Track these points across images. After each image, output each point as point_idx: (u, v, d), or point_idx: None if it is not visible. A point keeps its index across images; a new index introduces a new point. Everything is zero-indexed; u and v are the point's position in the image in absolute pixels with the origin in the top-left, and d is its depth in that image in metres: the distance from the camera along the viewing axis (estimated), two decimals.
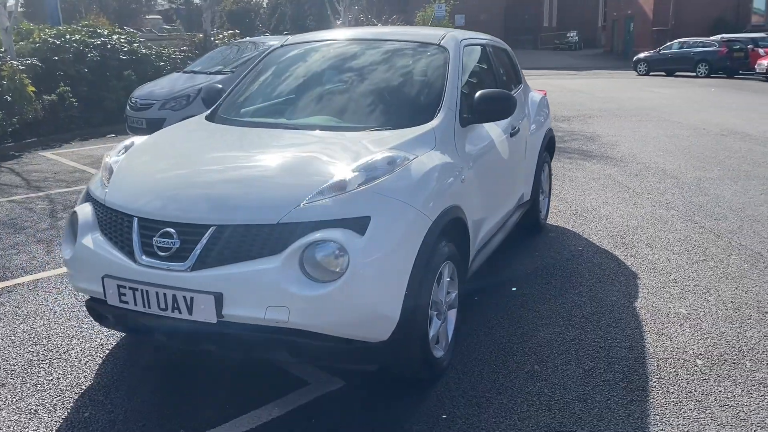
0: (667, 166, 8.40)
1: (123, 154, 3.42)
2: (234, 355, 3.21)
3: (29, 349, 3.63)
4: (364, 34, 4.43)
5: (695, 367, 3.35)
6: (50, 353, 3.57)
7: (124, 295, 2.81)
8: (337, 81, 3.97)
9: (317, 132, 3.52)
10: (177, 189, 2.96)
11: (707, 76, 26.31)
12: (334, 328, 2.69)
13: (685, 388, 3.16)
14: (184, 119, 8.80)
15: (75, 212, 3.16)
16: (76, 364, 3.45)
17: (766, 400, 3.05)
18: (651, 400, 3.05)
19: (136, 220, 2.87)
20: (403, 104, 3.77)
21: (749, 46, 26.89)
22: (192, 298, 2.67)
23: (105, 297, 2.88)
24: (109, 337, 3.71)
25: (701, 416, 2.92)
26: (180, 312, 2.71)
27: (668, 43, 29.17)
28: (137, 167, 3.26)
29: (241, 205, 2.77)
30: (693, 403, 3.03)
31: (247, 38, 13.59)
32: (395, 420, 2.91)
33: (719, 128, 11.65)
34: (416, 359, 3.00)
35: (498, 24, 47.55)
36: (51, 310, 4.15)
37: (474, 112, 3.69)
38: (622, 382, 3.22)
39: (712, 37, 27.92)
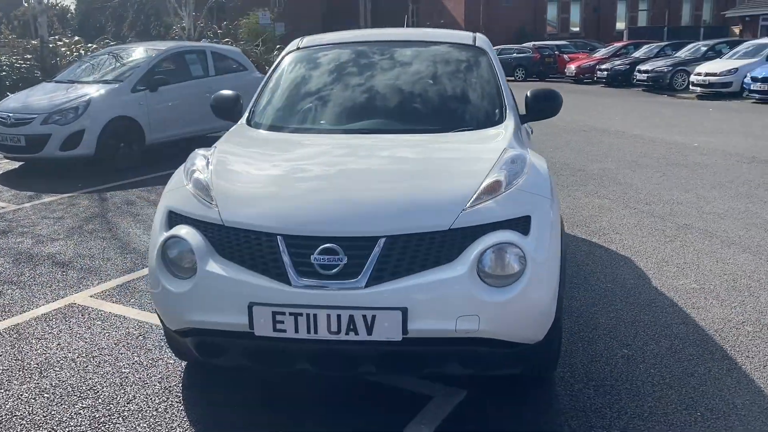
0: (565, 161, 9.12)
1: (206, 168, 3.01)
2: (388, 374, 2.91)
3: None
4: (389, 35, 4.33)
5: (750, 333, 3.72)
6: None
7: (281, 322, 2.50)
8: (395, 83, 3.83)
9: (411, 135, 3.38)
10: (321, 201, 2.68)
11: (524, 80, 28.82)
12: (511, 333, 2.62)
13: (758, 351, 3.51)
14: (74, 134, 8.03)
15: (171, 239, 2.72)
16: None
17: None
18: (744, 366, 3.34)
19: (281, 239, 2.56)
20: (471, 105, 3.75)
21: (556, 53, 29.98)
22: (374, 317, 2.45)
23: (251, 327, 2.53)
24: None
25: None
26: (357, 333, 2.47)
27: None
28: (247, 182, 2.90)
29: (408, 214, 2.59)
30: None
31: (115, 45, 12.44)
32: (547, 422, 2.90)
33: (576, 125, 12.85)
34: (556, 356, 3.02)
35: (317, 32, 48.07)
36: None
37: (529, 111, 3.78)
38: (706, 353, 3.49)
39: (525, 44, 30.66)
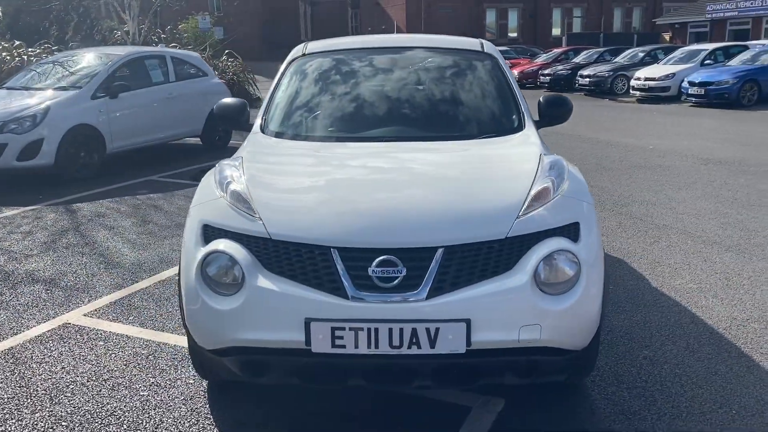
0: None
1: (241, 179, 2.88)
2: (443, 387, 2.83)
3: None
4: (394, 41, 4.28)
5: (758, 330, 3.85)
6: None
7: (341, 338, 2.41)
8: (414, 90, 3.78)
9: (439, 143, 3.34)
10: (374, 212, 2.60)
11: None
12: (567, 340, 2.61)
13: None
14: (32, 143, 7.61)
15: (211, 254, 2.59)
16: None
17: None
18: (762, 363, 3.44)
19: (335, 252, 2.48)
20: (491, 111, 3.75)
21: None
22: (437, 329, 2.40)
23: (308, 344, 2.44)
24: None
25: None
26: (419, 347, 2.41)
27: None
28: (289, 194, 2.80)
29: (464, 223, 2.55)
30: None
31: (60, 50, 11.88)
32: (592, 426, 2.92)
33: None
34: (594, 361, 3.04)
35: (257, 38, 47.58)
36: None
37: (542, 117, 3.80)
38: (723, 352, 3.59)
39: None
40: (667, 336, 3.77)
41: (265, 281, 2.50)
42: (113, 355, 3.63)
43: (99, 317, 4.16)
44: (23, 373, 3.44)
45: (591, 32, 40.19)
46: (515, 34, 44.54)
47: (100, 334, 3.90)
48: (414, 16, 41.92)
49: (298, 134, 3.57)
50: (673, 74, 20.01)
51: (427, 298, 2.42)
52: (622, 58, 24.21)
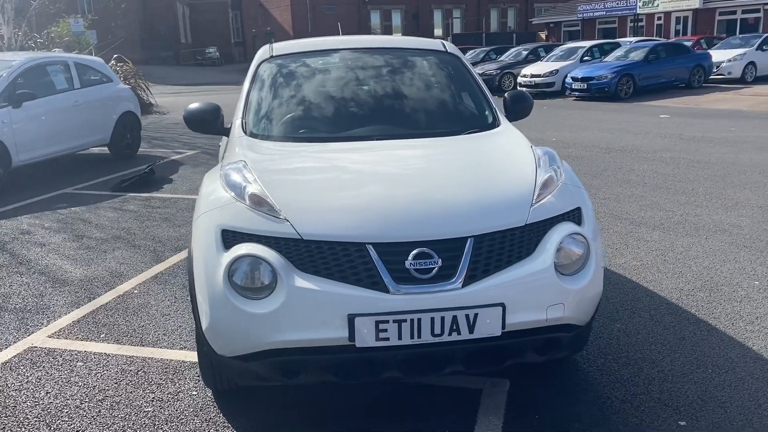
0: None
1: (255, 182, 2.85)
2: (473, 371, 2.77)
3: None
4: (359, 42, 4.33)
5: (705, 298, 4.27)
6: None
7: (385, 330, 2.48)
8: (391, 89, 3.84)
9: (430, 139, 3.44)
10: (404, 206, 2.66)
11: None
12: (580, 317, 2.81)
13: (721, 312, 4.03)
14: None
15: (239, 259, 2.57)
16: None
17: None
18: (717, 325, 3.83)
19: (371, 247, 2.53)
20: (467, 108, 3.90)
21: None
22: (476, 315, 2.52)
23: (352, 339, 2.48)
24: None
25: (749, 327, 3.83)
26: (459, 333, 2.52)
27: None
28: (312, 194, 2.79)
29: (489, 213, 2.68)
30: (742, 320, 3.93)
31: None
32: (595, 394, 3.14)
33: None
34: (589, 336, 3.26)
35: (135, 40, 45.53)
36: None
37: (508, 112, 4.02)
38: (683, 319, 3.95)
39: None
40: (631, 310, 4.10)
41: (303, 281, 2.51)
42: (99, 375, 3.46)
43: (67, 338, 3.93)
44: (4, 402, 3.22)
45: (474, 32, 41.81)
46: (400, 35, 45.46)
47: (75, 354, 3.70)
48: (299, 18, 41.77)
49: (288, 136, 3.56)
50: (557, 71, 21.26)
51: (463, 286, 2.53)
52: (507, 57, 25.36)
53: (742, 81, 20.70)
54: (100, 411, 3.11)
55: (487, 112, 3.84)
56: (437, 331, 2.51)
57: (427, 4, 45.71)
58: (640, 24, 32.17)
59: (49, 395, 3.27)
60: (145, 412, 3.10)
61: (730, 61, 20.94)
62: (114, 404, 3.17)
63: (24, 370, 3.53)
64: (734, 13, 29.04)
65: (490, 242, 2.62)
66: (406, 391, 3.20)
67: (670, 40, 24.50)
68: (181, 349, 3.74)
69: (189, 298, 4.41)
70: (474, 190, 2.81)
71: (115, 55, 17.91)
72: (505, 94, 4.05)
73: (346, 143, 3.40)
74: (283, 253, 2.58)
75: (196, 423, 2.99)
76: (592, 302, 2.86)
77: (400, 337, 2.50)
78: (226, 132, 3.83)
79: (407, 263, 2.52)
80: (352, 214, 2.63)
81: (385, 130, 3.59)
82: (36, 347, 3.81)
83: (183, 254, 5.40)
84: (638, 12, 31.58)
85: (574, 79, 19.68)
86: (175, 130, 14.62)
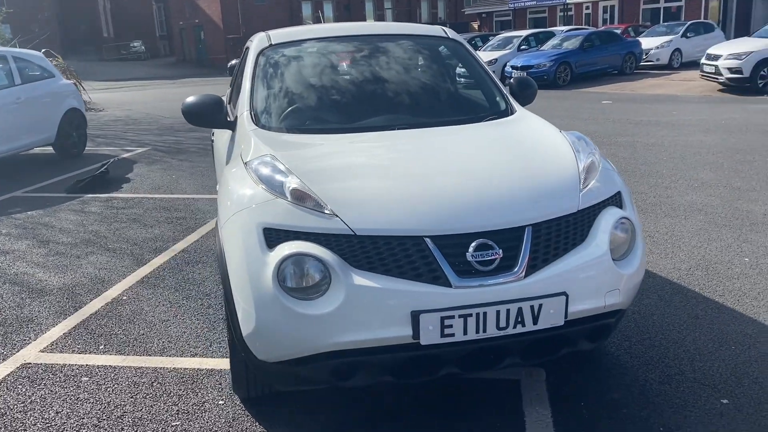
0: None
1: (293, 177, 2.68)
2: (530, 362, 2.70)
3: None
4: (359, 29, 4.17)
5: (703, 276, 4.37)
6: None
7: (450, 326, 2.38)
8: (403, 77, 3.72)
9: (455, 127, 3.34)
10: (460, 197, 2.56)
11: None
12: (629, 301, 2.80)
13: (724, 290, 4.14)
14: None
15: (289, 258, 2.41)
16: None
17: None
18: (721, 301, 3.93)
19: (429, 240, 2.43)
20: (481, 94, 3.81)
21: None
22: (540, 305, 2.45)
23: (416, 337, 2.38)
24: None
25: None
26: (524, 324, 2.46)
27: None
28: (358, 187, 2.63)
29: (543, 200, 2.62)
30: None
31: None
32: (677, 408, 2.99)
33: None
34: None
35: (54, 35, 43.37)
36: None
37: (516, 98, 3.97)
38: (690, 299, 4.03)
39: None
40: (639, 291, 4.15)
41: (362, 279, 2.38)
42: (110, 390, 3.22)
43: (62, 351, 3.65)
44: (11, 426, 2.95)
45: (409, 23, 41.82)
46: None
47: (77, 369, 3.44)
48: (229, 10, 40.73)
49: (306, 127, 3.37)
50: (496, 59, 21.58)
51: (525, 276, 2.47)
52: None
53: (669, 67, 21.55)
54: (122, 428, 2.89)
55: (498, 98, 3.78)
56: (502, 324, 2.44)
57: None
58: (569, 13, 33.02)
59: (60, 415, 3.02)
60: (173, 426, 2.90)
61: (658, 48, 21.76)
62: (136, 420, 2.95)
63: (24, 389, 3.25)
64: (657, 2, 30.21)
65: (547, 230, 2.57)
66: (445, 388, 3.12)
67: (601, 29, 25.21)
68: (192, 356, 3.53)
69: (185, 302, 4.22)
70: (525, 178, 2.74)
71: (43, 50, 16.94)
72: (511, 80, 4.01)
73: (370, 134, 3.25)
74: (335, 250, 2.44)
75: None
76: (638, 286, 2.86)
77: (465, 332, 2.41)
78: (230, 125, 3.62)
79: (468, 255, 2.43)
80: (406, 207, 2.52)
81: (405, 119, 3.47)
82: (30, 363, 3.52)
83: (166, 256, 5.14)
84: (567, 1, 32.41)
85: (514, 68, 20.01)
86: (116, 126, 14.01)
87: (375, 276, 2.41)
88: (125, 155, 9.97)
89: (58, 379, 3.34)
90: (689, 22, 23.01)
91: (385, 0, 47.02)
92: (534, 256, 2.51)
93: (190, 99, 3.60)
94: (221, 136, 4.01)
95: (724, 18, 27.59)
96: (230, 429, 2.87)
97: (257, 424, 2.89)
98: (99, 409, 3.05)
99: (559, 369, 3.25)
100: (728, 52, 14.94)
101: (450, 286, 2.40)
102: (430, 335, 2.39)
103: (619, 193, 2.88)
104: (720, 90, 15.46)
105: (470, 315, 2.39)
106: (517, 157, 2.97)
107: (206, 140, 11.57)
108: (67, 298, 4.38)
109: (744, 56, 14.45)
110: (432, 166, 2.83)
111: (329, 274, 2.40)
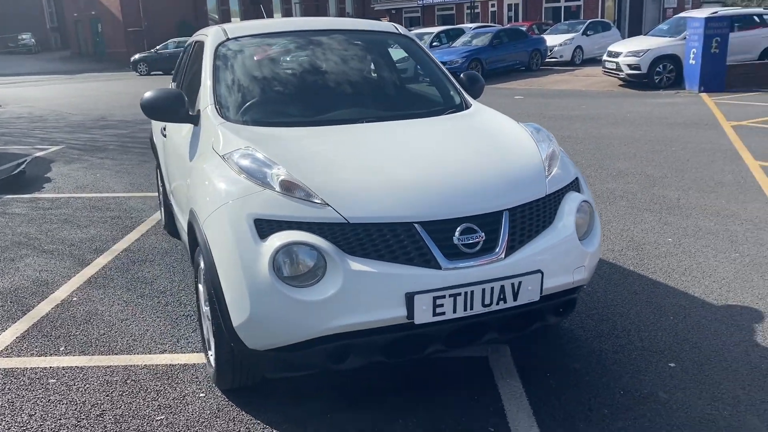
0: None
1: (278, 168, 2.73)
2: (505, 337, 2.90)
3: None
4: (313, 23, 4.19)
5: (634, 256, 4.75)
6: None
7: (441, 305, 2.54)
8: (363, 72, 3.81)
9: (419, 120, 3.46)
10: (444, 184, 2.71)
11: None
12: (589, 277, 3.05)
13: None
14: None
15: (285, 248, 2.48)
16: None
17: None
18: (657, 279, 4.31)
19: (419, 226, 2.57)
20: (438, 88, 3.96)
21: None
22: (519, 283, 2.65)
23: (410, 317, 2.51)
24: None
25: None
26: (505, 301, 2.65)
27: (164, 43, 30.25)
28: (345, 177, 2.71)
29: (517, 186, 2.81)
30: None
31: None
32: (633, 373, 3.22)
33: None
34: None
35: None
36: None
37: (468, 92, 4.17)
38: (628, 276, 4.38)
39: None
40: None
41: (358, 265, 2.49)
42: (82, 390, 3.16)
43: (19, 355, 3.53)
44: None
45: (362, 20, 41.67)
46: (238, 19, 44.20)
47: (40, 372, 3.34)
48: (129, 2, 39.09)
49: (275, 120, 3.37)
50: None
51: (506, 256, 2.66)
52: None
53: (572, 63, 22.67)
54: (105, 426, 2.86)
55: (452, 93, 3.96)
56: (487, 301, 2.61)
57: None
58: (476, 11, 34.01)
59: (34, 418, 2.94)
60: (157, 420, 2.89)
61: (561, 45, 22.83)
62: (118, 417, 2.93)
63: None
64: (558, 0, 31.65)
65: (521, 214, 2.77)
66: (421, 368, 3.27)
67: (508, 26, 26.15)
68: (162, 353, 3.50)
69: (141, 300, 4.16)
70: (498, 167, 2.93)
71: None
72: (461, 75, 4.20)
73: (339, 126, 3.34)
74: (329, 238, 2.53)
75: (221, 425, 2.85)
76: (597, 263, 3.11)
77: (455, 311, 2.57)
78: (192, 120, 3.59)
79: (455, 239, 2.59)
80: (396, 195, 2.64)
81: (370, 113, 3.58)
82: None
83: (109, 256, 5.01)
84: None
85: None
86: (20, 124, 13.28)
87: (370, 261, 2.52)
88: (39, 154, 9.50)
89: (22, 383, 3.24)
90: (588, 21, 24.28)
91: None
92: (512, 238, 2.70)
93: (150, 93, 3.55)
94: (178, 131, 3.96)
95: (619, 17, 29.32)
96: (217, 419, 2.90)
97: (243, 412, 2.94)
98: (75, 409, 2.99)
99: (521, 346, 3.47)
100: (627, 49, 15.94)
101: (440, 268, 2.56)
102: (423, 315, 2.53)
103: (577, 179, 3.14)
104: (621, 85, 16.46)
105: (459, 294, 2.56)
106: (487, 147, 3.15)
107: (123, 137, 11.21)
108: (11, 302, 4.21)
109: (642, 53, 15.46)
110: (409, 157, 2.96)
111: (325, 261, 2.49)
